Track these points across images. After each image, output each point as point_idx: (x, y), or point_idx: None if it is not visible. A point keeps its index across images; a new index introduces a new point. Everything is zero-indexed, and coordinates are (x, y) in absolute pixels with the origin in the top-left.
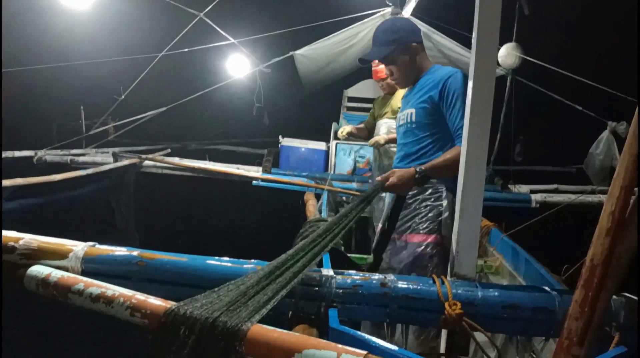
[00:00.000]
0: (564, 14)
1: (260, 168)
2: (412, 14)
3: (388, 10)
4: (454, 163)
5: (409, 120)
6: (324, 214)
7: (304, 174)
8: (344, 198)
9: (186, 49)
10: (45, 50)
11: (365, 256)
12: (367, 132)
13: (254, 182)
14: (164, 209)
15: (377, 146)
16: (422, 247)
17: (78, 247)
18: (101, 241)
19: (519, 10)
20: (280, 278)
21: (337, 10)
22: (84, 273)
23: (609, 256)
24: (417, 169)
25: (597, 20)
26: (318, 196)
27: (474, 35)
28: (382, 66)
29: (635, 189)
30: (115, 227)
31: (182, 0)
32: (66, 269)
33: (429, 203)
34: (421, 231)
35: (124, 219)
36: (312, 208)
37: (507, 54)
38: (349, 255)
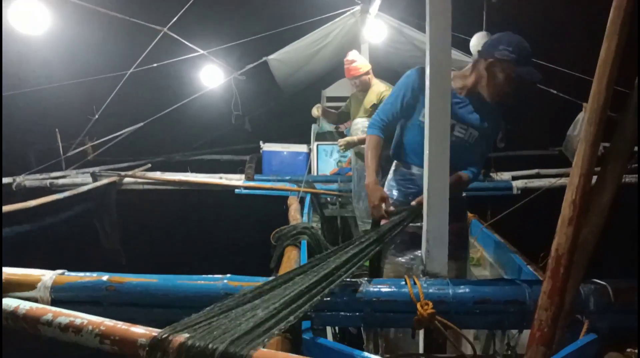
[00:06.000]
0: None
1: (243, 176)
2: (379, 10)
3: (357, 8)
4: None
5: (466, 136)
6: (304, 219)
7: (286, 178)
8: (327, 199)
9: (155, 64)
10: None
11: None
12: (335, 118)
13: (237, 191)
14: (149, 225)
15: (347, 148)
16: None
17: (46, 276)
18: (89, 264)
19: None
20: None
21: (306, 12)
22: (54, 302)
23: (574, 245)
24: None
25: (566, 5)
26: (302, 200)
27: (427, 31)
28: (355, 64)
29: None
30: (102, 248)
31: (145, 17)
32: (35, 300)
33: None
34: None
35: (109, 239)
36: (294, 212)
37: (478, 43)
38: None
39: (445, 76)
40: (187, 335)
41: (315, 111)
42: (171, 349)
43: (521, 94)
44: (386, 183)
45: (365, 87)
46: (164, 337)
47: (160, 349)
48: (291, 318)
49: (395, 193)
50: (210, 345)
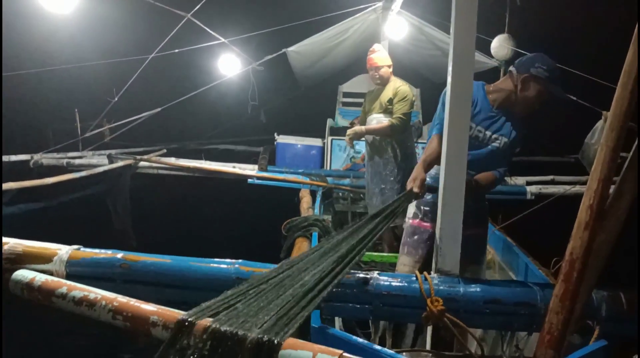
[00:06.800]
0: (556, 3)
1: (257, 166)
2: (401, 8)
3: (379, 4)
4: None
5: (500, 146)
6: (316, 211)
7: (299, 171)
8: (339, 194)
9: (176, 50)
10: (31, 55)
11: (377, 253)
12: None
13: (249, 180)
14: (161, 210)
15: (356, 138)
16: None
17: (62, 251)
18: (98, 244)
19: (510, 1)
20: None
21: (328, 6)
22: (68, 276)
23: (588, 250)
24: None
25: (589, 9)
26: (313, 193)
27: (452, 28)
28: (378, 54)
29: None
30: (113, 229)
31: (169, 1)
32: (51, 273)
33: None
34: None
35: (121, 220)
36: (305, 204)
37: (500, 46)
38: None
39: (467, 75)
40: (211, 319)
41: (349, 142)
42: (198, 332)
43: (546, 111)
44: None
45: (384, 81)
46: (190, 319)
47: (186, 332)
48: (314, 301)
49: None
50: (240, 332)
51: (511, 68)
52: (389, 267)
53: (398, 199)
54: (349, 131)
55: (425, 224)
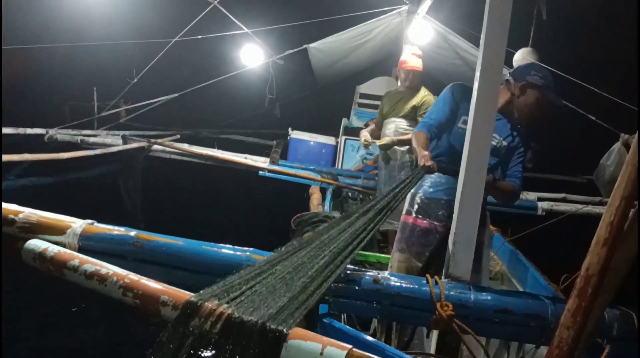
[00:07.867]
0: (582, 21)
1: (268, 159)
2: (427, 13)
3: (404, 8)
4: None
5: (496, 145)
6: (326, 209)
7: (311, 167)
8: (349, 194)
9: (200, 36)
10: (60, 31)
11: (373, 254)
12: (379, 132)
13: (260, 172)
14: (170, 194)
15: (384, 148)
16: None
17: (76, 224)
18: (107, 222)
19: (536, 15)
20: (315, 277)
21: (353, 6)
22: (80, 250)
23: (605, 267)
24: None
25: (615, 30)
26: (323, 191)
27: (482, 37)
28: (417, 60)
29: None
30: (122, 208)
31: None
32: (63, 245)
33: None
34: None
35: (131, 201)
36: (315, 201)
37: (523, 59)
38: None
39: (494, 83)
40: (218, 301)
41: (363, 142)
42: (205, 315)
43: (548, 121)
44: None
45: (412, 86)
46: (199, 301)
47: (195, 314)
48: (324, 285)
49: (420, 190)
50: (250, 318)
51: (508, 77)
52: None
53: (412, 174)
54: (385, 139)
55: (419, 221)
